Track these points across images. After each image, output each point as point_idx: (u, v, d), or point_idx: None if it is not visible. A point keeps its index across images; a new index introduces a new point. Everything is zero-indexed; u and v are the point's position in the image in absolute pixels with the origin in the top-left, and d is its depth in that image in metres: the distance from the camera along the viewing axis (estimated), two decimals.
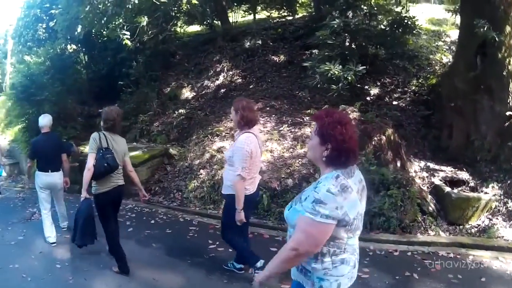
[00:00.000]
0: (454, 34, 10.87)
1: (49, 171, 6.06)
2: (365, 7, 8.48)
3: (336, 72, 7.50)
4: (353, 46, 8.53)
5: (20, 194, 10.86)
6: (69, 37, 12.28)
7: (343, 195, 1.99)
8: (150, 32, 10.63)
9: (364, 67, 7.72)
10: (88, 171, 4.37)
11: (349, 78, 7.48)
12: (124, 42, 9.42)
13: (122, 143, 4.83)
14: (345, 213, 1.99)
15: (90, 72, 13.91)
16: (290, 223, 2.17)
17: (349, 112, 7.41)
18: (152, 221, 6.98)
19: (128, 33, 9.51)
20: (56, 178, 6.21)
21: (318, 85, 8.08)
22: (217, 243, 5.49)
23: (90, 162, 4.40)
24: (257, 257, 4.32)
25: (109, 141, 4.58)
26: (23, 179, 12.90)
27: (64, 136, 10.63)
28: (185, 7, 12.79)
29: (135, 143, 9.99)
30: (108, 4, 9.00)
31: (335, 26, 7.99)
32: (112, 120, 4.67)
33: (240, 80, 10.70)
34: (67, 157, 6.73)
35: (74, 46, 13.72)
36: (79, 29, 9.88)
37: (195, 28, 14.83)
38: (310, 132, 2.49)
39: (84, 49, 13.85)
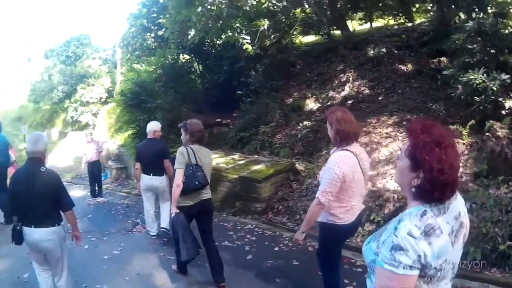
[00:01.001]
0: None
1: (151, 174, 6.30)
2: (491, 8, 7.15)
3: (481, 82, 6.36)
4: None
5: (124, 201, 10.66)
6: (181, 47, 12.18)
7: (428, 239, 1.52)
8: (272, 36, 9.91)
9: (508, 75, 6.41)
10: (177, 188, 4.33)
11: (494, 88, 6.30)
12: (244, 47, 8.87)
13: (208, 156, 4.78)
14: (428, 263, 1.53)
15: (206, 81, 13.69)
16: (366, 260, 1.79)
17: (497, 129, 6.11)
18: (276, 248, 5.96)
19: (248, 37, 8.95)
20: (157, 182, 6.42)
21: (462, 96, 6.91)
22: (355, 283, 4.42)
23: (179, 178, 4.35)
24: None
25: (197, 156, 4.50)
26: (130, 184, 12.94)
27: (178, 145, 10.22)
28: (300, 16, 12.21)
29: (256, 156, 9.40)
30: (223, 6, 8.51)
31: (470, 29, 6.81)
32: (200, 131, 4.67)
33: (367, 91, 9.68)
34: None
35: (186, 56, 13.61)
36: (192, 33, 9.37)
37: (310, 38, 14.12)
38: (400, 148, 1.75)
39: (197, 59, 13.71)
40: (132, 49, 15.53)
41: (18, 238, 3.76)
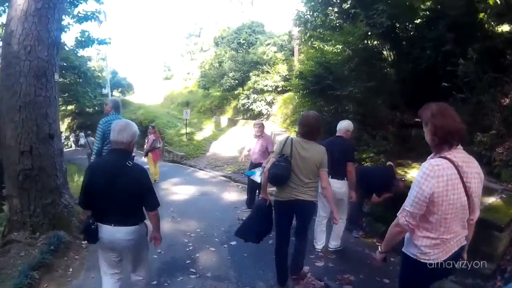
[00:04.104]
0: None
1: (329, 177, 5.26)
2: None
3: None
4: None
5: None
6: (371, 24, 10.29)
7: None
8: None
9: None
10: (264, 174, 4.62)
11: None
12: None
13: (315, 152, 4.49)
14: None
15: (401, 70, 10.91)
16: None
17: None
18: None
19: None
20: (337, 186, 5.83)
21: None
22: None
23: (268, 165, 4.56)
24: None
25: (294, 148, 4.44)
26: None
27: (372, 148, 8.56)
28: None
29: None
30: None
31: None
32: (307, 125, 4.53)
33: None
34: (377, 196, 6.52)
35: (374, 42, 11.15)
36: None
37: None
38: None
39: (388, 45, 11.15)
40: (311, 26, 13.96)
41: (92, 236, 3.54)
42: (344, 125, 6.21)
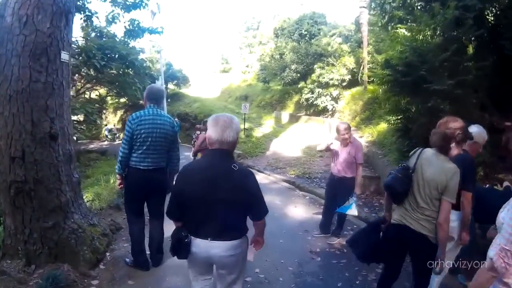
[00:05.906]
0: None
1: None
2: None
3: None
4: None
5: None
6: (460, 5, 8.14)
7: None
8: None
9: None
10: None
11: None
12: None
13: (441, 171, 3.40)
14: None
15: (484, 64, 8.19)
16: None
17: None
18: None
19: None
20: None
21: None
22: None
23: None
24: None
25: (419, 161, 3.56)
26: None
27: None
28: None
29: None
30: None
31: None
32: (435, 132, 3.57)
33: None
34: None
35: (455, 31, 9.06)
36: None
37: None
38: None
39: (471, 34, 8.92)
40: (389, 8, 11.97)
41: (184, 252, 2.99)
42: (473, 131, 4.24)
